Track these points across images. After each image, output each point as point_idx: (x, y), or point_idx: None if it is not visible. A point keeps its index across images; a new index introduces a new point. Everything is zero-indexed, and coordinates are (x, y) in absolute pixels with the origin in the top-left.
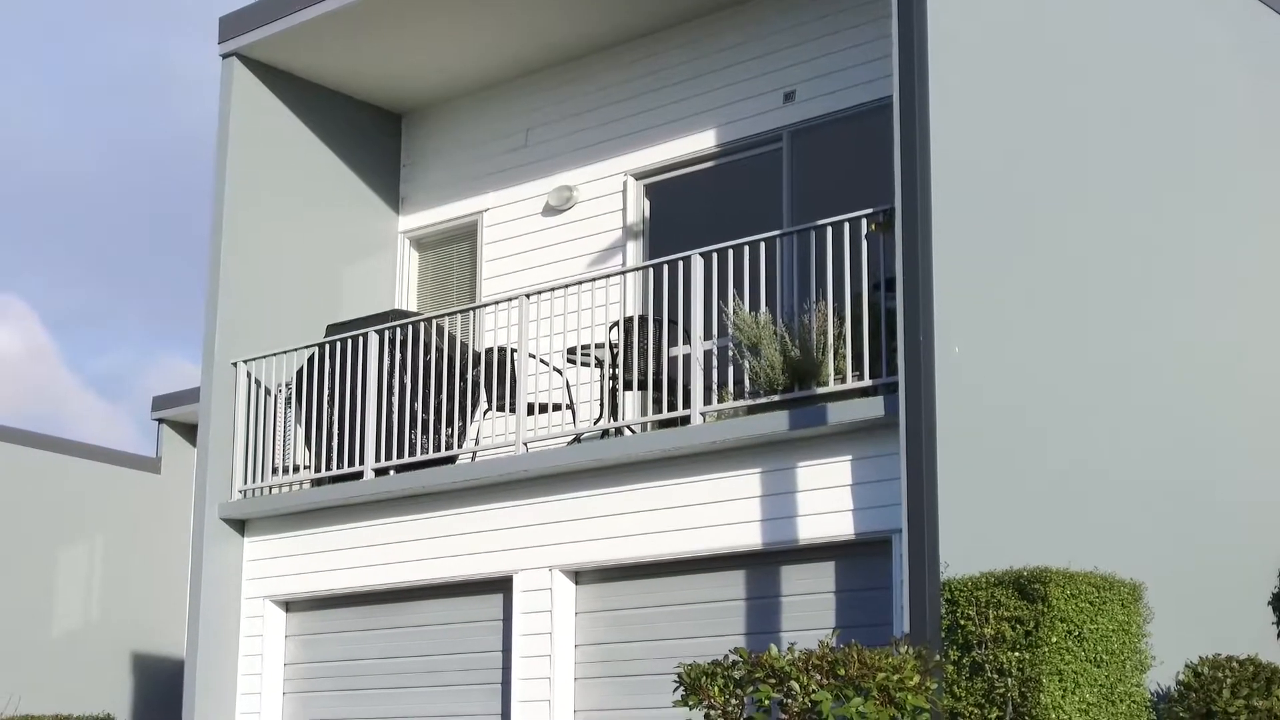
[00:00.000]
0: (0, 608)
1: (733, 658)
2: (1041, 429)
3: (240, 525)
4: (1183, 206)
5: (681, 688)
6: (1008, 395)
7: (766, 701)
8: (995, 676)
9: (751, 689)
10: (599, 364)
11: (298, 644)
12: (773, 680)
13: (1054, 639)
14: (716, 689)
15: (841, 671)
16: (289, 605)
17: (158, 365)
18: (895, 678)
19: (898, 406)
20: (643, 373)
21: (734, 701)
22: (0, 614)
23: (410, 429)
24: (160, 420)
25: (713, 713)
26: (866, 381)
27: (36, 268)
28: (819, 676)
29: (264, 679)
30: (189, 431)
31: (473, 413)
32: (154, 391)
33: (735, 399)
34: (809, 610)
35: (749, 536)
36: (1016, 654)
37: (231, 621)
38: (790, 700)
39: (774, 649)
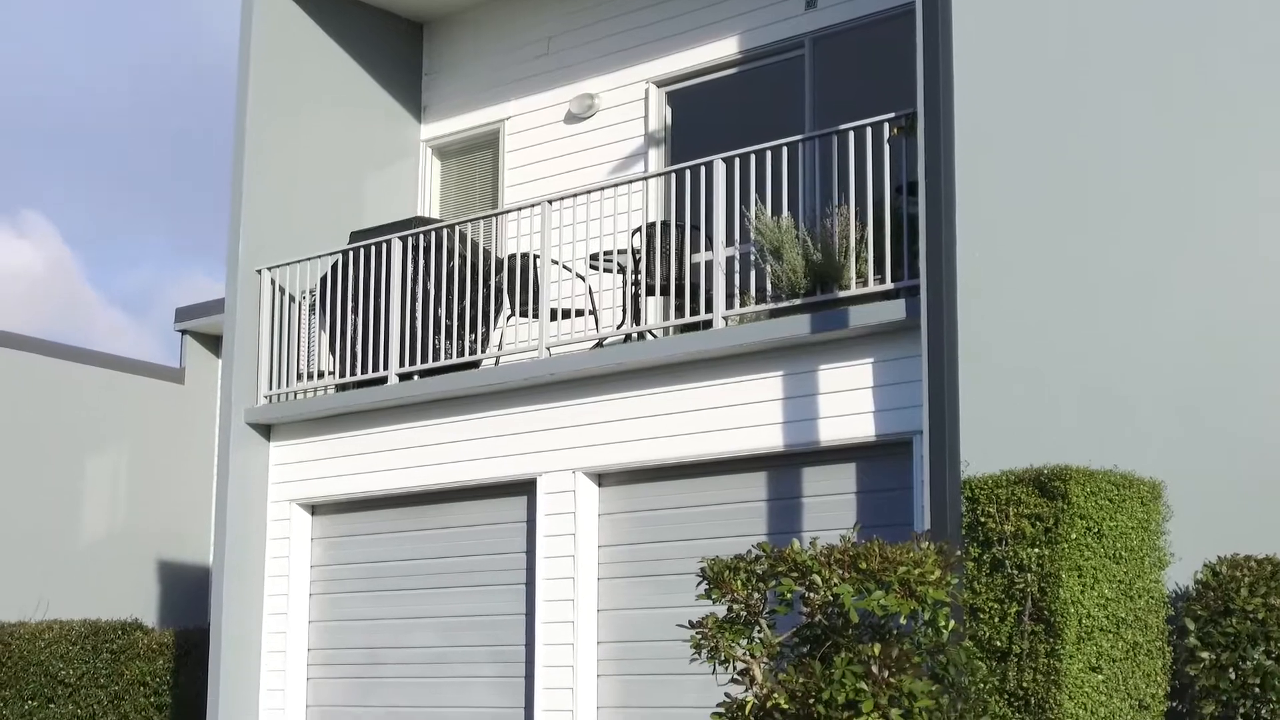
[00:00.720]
0: (29, 517)
1: (755, 552)
2: (1063, 329)
3: (266, 430)
4: (1224, 112)
5: (705, 582)
6: (1029, 296)
7: (789, 595)
8: (1015, 572)
9: (774, 583)
10: (621, 270)
11: (324, 547)
12: (795, 574)
13: (1073, 535)
14: (739, 583)
15: (863, 565)
16: (315, 509)
17: (180, 282)
18: (916, 572)
19: (919, 309)
20: (665, 278)
21: (756, 595)
22: (29, 523)
23: (434, 335)
24: (184, 331)
25: (735, 606)
26: (888, 285)
27: (58, 184)
28: (841, 570)
29: (291, 581)
30: (212, 342)
31: (496, 318)
32: (177, 306)
33: (757, 303)
34: (830, 510)
35: (770, 439)
36: (1036, 550)
37: (258, 525)
38: (812, 594)
39: (796, 544)
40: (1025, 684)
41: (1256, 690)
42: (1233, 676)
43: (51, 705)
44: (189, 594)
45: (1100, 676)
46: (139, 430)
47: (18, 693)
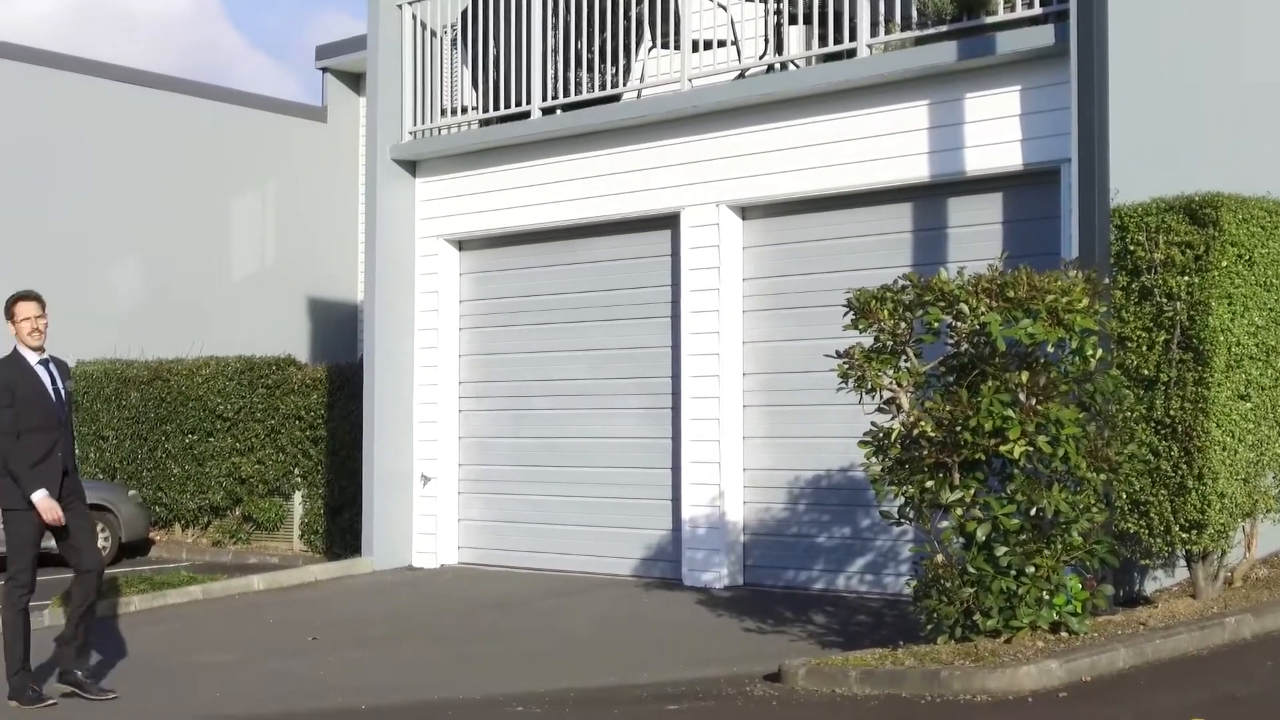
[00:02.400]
0: (181, 257)
1: (902, 282)
2: (1218, 52)
3: (411, 166)
4: None
5: (851, 312)
6: (1182, 20)
7: (936, 324)
8: (1164, 300)
9: (921, 312)
10: None
11: (472, 281)
12: (942, 303)
13: (1224, 263)
14: (886, 312)
15: (1011, 294)
16: (462, 244)
17: (319, 22)
18: (1064, 300)
19: (1068, 34)
20: (808, 6)
21: (903, 325)
22: (181, 263)
23: (575, 68)
24: (325, 69)
25: (882, 335)
26: (1036, 10)
27: None
28: (988, 299)
29: (441, 316)
30: (353, 80)
31: (636, 50)
32: (317, 44)
33: (902, 30)
34: (976, 241)
35: (916, 169)
36: (1185, 278)
37: (406, 260)
38: (959, 322)
39: (943, 273)
40: (1173, 412)
41: None
42: None
43: (211, 439)
44: (338, 331)
45: (1249, 404)
46: (285, 169)
47: (178, 426)
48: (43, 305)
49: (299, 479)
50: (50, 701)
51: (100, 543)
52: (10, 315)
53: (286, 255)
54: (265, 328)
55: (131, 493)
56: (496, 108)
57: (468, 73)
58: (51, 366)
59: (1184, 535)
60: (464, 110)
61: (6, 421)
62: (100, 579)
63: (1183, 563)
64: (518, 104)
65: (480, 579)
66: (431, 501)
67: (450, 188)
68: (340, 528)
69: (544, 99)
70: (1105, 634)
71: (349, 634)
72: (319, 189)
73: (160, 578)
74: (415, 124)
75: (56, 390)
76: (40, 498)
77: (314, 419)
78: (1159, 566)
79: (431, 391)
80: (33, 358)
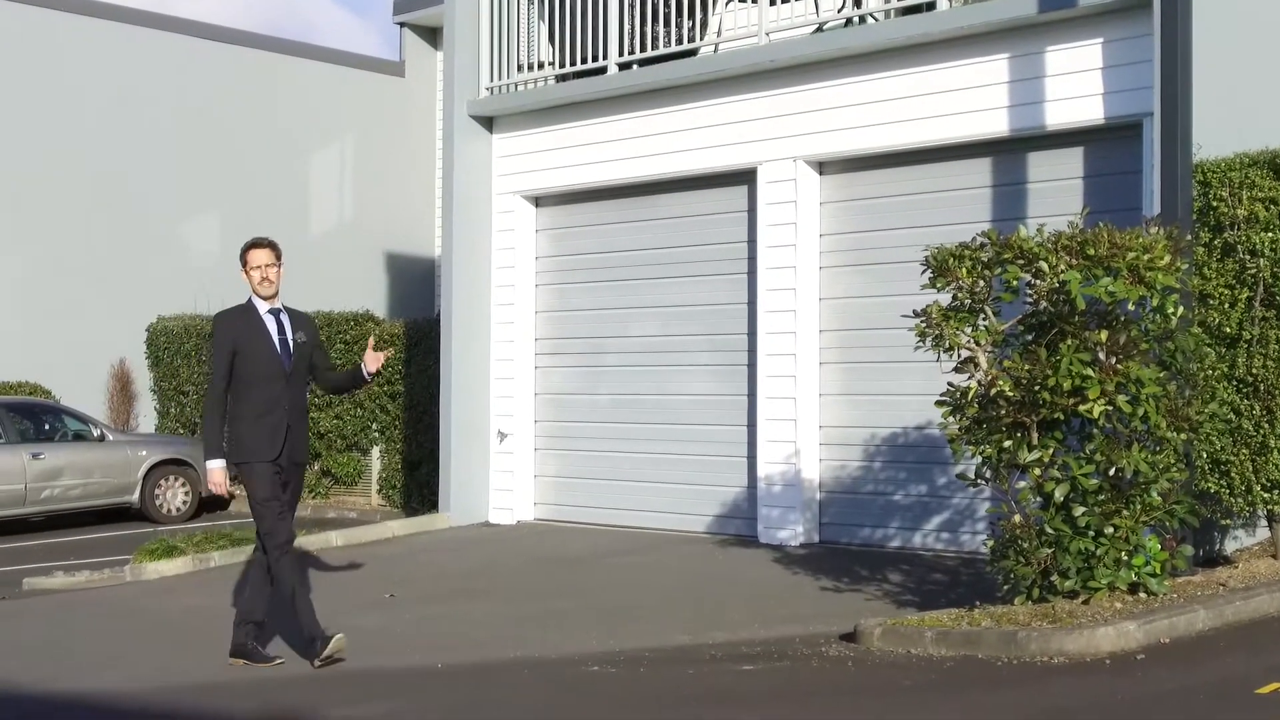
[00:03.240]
0: (260, 211)
1: (980, 240)
2: None
3: (488, 122)
4: None
5: (929, 270)
6: None
7: (1015, 282)
8: (1247, 257)
9: (1000, 270)
10: None
11: (549, 238)
12: (1021, 261)
13: None
14: (964, 270)
15: (1091, 252)
16: (538, 200)
17: None
18: (1145, 257)
19: None
20: None
21: (982, 283)
22: (260, 217)
23: (652, 22)
24: (402, 24)
25: (960, 294)
26: None
27: None
28: (1068, 257)
29: (517, 272)
30: (431, 35)
31: (714, 4)
32: None
33: None
34: (1056, 196)
35: (995, 123)
36: (1269, 234)
37: (483, 216)
38: (1039, 280)
39: (1022, 230)
40: (1255, 370)
41: None
42: None
43: None
44: (416, 286)
45: None
46: (362, 124)
47: None
48: (276, 253)
49: (376, 434)
50: (277, 660)
51: (182, 499)
52: (243, 263)
53: (364, 211)
54: (343, 283)
55: None
56: (573, 63)
57: (544, 28)
58: (283, 317)
59: (1265, 495)
60: (540, 66)
61: (219, 372)
62: (282, 552)
63: (1264, 522)
64: (594, 59)
65: (556, 535)
66: (508, 458)
67: (527, 144)
68: (418, 483)
69: (620, 54)
70: (1184, 595)
71: (426, 590)
72: (397, 144)
73: (239, 533)
74: (492, 80)
75: (285, 342)
76: (214, 468)
77: (392, 374)
78: (1240, 526)
79: (508, 348)
80: (263, 307)
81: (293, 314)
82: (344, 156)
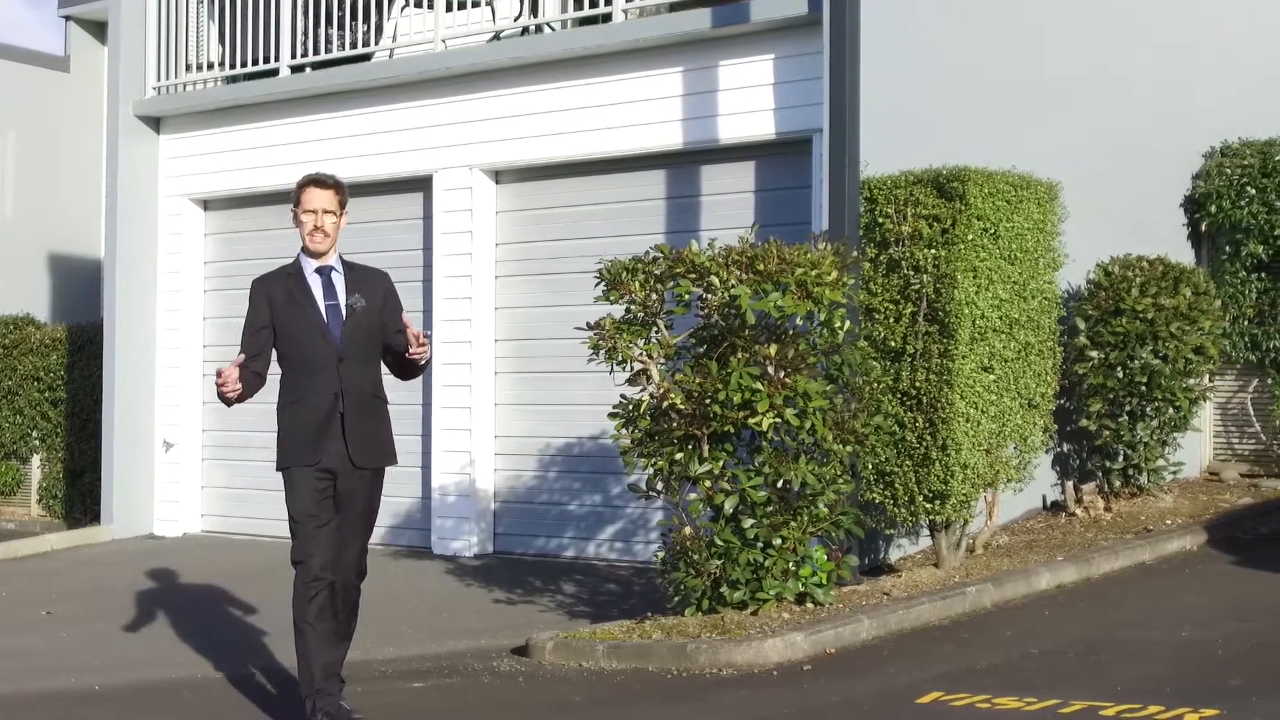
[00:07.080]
0: None
1: (653, 253)
2: (967, 28)
3: (155, 123)
4: None
5: (602, 283)
6: None
7: (686, 296)
8: (911, 273)
9: (671, 284)
10: None
11: (217, 242)
12: (693, 275)
13: (970, 237)
14: (637, 284)
15: (760, 267)
16: (207, 204)
17: None
18: (813, 273)
19: (821, 4)
20: None
21: (654, 296)
22: None
23: (325, 25)
24: (68, 18)
25: (633, 307)
26: None
27: None
28: (738, 272)
29: (184, 277)
30: (99, 30)
31: (389, 8)
32: None
33: None
34: (729, 209)
35: (669, 136)
36: (933, 251)
37: (150, 219)
38: (709, 295)
39: (694, 245)
40: (918, 384)
41: (1143, 388)
42: (1120, 375)
43: None
44: (80, 289)
45: (992, 376)
46: (25, 120)
47: None
48: (340, 198)
49: (37, 442)
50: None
51: None
52: (295, 203)
53: (26, 210)
54: (6, 282)
55: None
56: (244, 64)
57: (214, 27)
58: (335, 277)
59: (928, 505)
60: (210, 66)
61: (243, 348)
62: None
63: (926, 532)
64: (266, 61)
65: (223, 549)
66: (174, 468)
67: (196, 145)
68: (80, 492)
69: (293, 56)
70: (850, 605)
71: (85, 607)
72: (63, 142)
73: None
74: (160, 79)
75: (336, 309)
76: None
77: (54, 380)
78: (904, 535)
79: (175, 355)
80: (310, 266)
81: (353, 271)
82: (4, 153)
